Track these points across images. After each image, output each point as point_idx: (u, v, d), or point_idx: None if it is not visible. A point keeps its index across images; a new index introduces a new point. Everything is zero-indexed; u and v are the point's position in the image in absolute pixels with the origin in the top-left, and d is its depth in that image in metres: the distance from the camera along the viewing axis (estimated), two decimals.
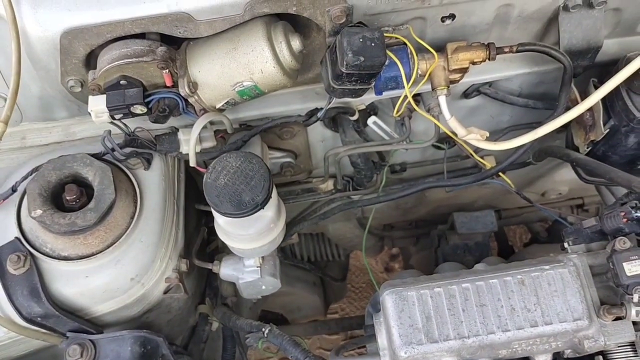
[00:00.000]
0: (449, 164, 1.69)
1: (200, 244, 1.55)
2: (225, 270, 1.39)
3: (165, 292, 1.30)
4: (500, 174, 1.49)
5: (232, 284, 1.59)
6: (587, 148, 1.37)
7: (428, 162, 1.73)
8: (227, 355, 1.58)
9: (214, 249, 1.67)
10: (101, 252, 1.18)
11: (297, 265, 2.27)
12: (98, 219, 1.14)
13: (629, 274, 1.07)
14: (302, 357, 1.28)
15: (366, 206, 1.63)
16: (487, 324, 1.09)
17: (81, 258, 1.18)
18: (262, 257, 1.37)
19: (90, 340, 1.20)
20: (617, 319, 1.09)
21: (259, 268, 1.36)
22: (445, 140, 1.62)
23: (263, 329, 1.35)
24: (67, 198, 1.16)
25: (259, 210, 1.19)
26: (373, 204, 1.58)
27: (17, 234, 1.19)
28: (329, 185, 1.68)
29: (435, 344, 1.09)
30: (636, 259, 1.08)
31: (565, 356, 1.18)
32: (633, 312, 1.05)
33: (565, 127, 1.57)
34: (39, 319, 1.17)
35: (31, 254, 1.17)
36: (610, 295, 1.13)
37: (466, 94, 1.46)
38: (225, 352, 1.58)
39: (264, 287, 1.40)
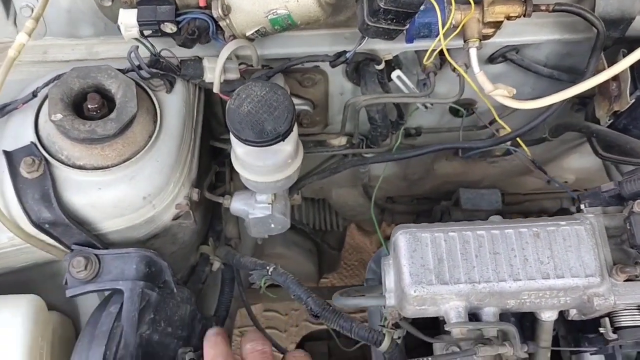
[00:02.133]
0: (465, 132, 1.69)
1: (209, 184, 1.54)
2: (236, 204, 1.38)
3: (175, 219, 1.29)
4: (519, 140, 1.49)
5: (237, 226, 1.58)
6: (609, 120, 1.37)
7: (444, 129, 1.73)
8: (224, 298, 1.56)
9: (221, 195, 1.66)
10: (117, 165, 1.17)
11: (296, 228, 2.26)
12: (118, 130, 1.13)
13: None
14: (305, 297, 1.28)
15: (378, 162, 1.63)
16: (499, 271, 1.09)
17: (96, 169, 1.16)
18: (274, 195, 1.36)
19: (95, 254, 1.18)
20: (629, 280, 1.09)
21: (270, 205, 1.35)
22: (465, 107, 1.62)
23: (267, 267, 1.34)
24: (89, 106, 1.15)
25: (280, 141, 1.18)
26: (386, 160, 1.58)
27: (34, 138, 1.17)
28: (341, 141, 1.68)
29: (445, 286, 1.08)
30: None
31: (570, 317, 1.19)
32: None
33: (585, 105, 1.58)
34: (47, 225, 1.15)
35: (46, 159, 1.15)
36: (623, 258, 1.13)
37: (492, 59, 1.46)
38: (223, 295, 1.57)
39: (272, 226, 1.39)
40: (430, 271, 1.09)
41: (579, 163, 1.99)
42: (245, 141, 1.17)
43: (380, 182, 1.89)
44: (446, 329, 1.09)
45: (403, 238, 1.12)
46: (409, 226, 1.15)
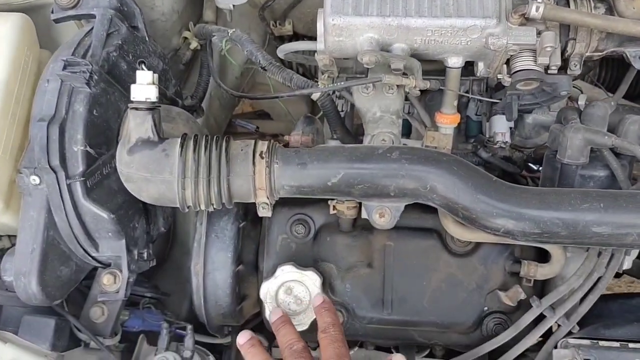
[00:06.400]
0: None
1: None
2: None
3: None
4: None
5: (215, 12, 1.77)
6: None
7: None
8: (202, 80, 1.77)
9: None
10: None
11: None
12: None
13: None
14: (256, 52, 1.44)
15: None
16: (408, 8, 1.24)
17: None
18: None
19: None
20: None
21: None
22: None
23: (228, 31, 1.53)
24: None
25: None
26: None
27: None
28: None
29: (359, 17, 1.24)
30: None
31: (478, 73, 1.34)
32: (533, 8, 1.18)
33: None
34: None
35: None
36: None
37: None
38: (201, 77, 1.77)
39: None
40: (348, 4, 1.25)
41: None
42: None
43: None
44: (358, 58, 1.26)
45: None
46: None
